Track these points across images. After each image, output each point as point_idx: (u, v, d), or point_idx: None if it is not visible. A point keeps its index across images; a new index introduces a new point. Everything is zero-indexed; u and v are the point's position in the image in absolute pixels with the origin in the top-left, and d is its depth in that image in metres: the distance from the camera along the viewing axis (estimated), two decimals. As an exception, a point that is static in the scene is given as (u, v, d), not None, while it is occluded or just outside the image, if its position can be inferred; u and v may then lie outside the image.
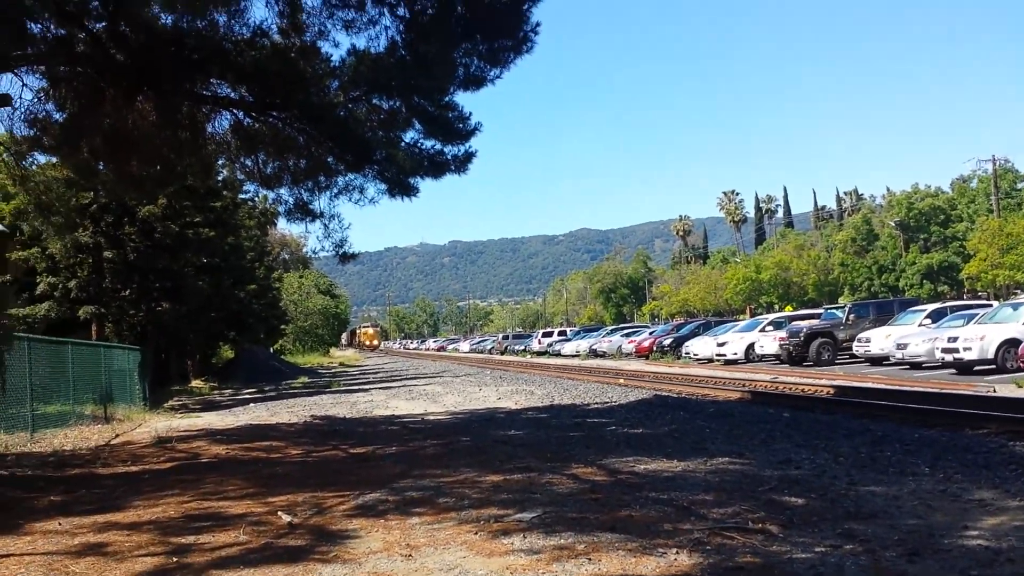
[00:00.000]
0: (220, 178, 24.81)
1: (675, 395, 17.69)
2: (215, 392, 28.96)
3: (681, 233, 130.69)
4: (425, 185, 13.76)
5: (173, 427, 15.62)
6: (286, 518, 6.58)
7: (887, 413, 11.96)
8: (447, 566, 5.06)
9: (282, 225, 61.83)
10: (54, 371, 15.37)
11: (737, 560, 4.89)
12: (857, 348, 25.22)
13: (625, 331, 48.61)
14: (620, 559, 5.03)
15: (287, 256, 72.35)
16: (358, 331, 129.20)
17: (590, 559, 5.04)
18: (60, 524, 6.87)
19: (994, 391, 14.58)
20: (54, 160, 14.76)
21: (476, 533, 5.85)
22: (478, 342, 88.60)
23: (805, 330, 27.40)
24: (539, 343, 59.50)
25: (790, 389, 17.43)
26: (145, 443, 13.15)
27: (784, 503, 6.41)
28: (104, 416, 17.24)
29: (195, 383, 33.51)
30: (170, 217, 26.65)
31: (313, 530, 6.23)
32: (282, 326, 50.09)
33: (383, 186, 13.73)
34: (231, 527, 6.41)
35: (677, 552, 5.10)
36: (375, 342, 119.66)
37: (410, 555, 5.36)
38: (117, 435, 14.57)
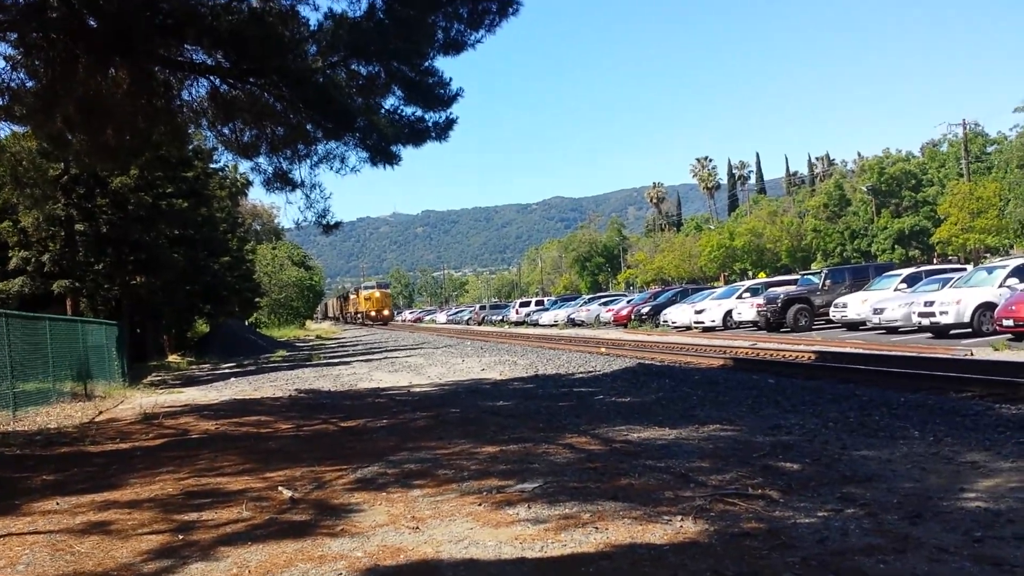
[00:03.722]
0: (191, 147, 24.58)
1: (658, 363, 17.81)
2: (193, 367, 28.70)
3: (655, 200, 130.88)
4: (404, 153, 13.64)
5: (157, 403, 15.48)
6: (287, 493, 6.55)
7: (871, 378, 12.09)
8: (456, 537, 5.07)
9: (254, 195, 60.91)
10: (31, 348, 15.14)
11: (742, 526, 4.95)
12: (834, 314, 25.56)
13: (603, 300, 48.84)
14: (627, 527, 5.07)
15: (259, 227, 71.45)
16: (353, 297, 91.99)
17: (597, 528, 5.08)
18: (58, 504, 6.77)
19: (972, 354, 14.82)
20: (25, 131, 14.47)
21: (480, 504, 5.87)
22: (455, 313, 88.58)
23: (782, 296, 27.70)
24: (517, 313, 59.77)
25: (771, 355, 17.62)
26: (131, 419, 13.02)
27: (780, 468, 6.49)
28: (85, 393, 17.08)
29: (172, 358, 33.28)
30: (143, 188, 26.30)
31: (316, 505, 6.21)
32: (257, 299, 49.74)
33: (365, 154, 13.55)
34: (232, 503, 6.38)
35: (682, 519, 5.16)
36: (385, 312, 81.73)
37: (417, 527, 5.37)
38: (100, 412, 14.43)
